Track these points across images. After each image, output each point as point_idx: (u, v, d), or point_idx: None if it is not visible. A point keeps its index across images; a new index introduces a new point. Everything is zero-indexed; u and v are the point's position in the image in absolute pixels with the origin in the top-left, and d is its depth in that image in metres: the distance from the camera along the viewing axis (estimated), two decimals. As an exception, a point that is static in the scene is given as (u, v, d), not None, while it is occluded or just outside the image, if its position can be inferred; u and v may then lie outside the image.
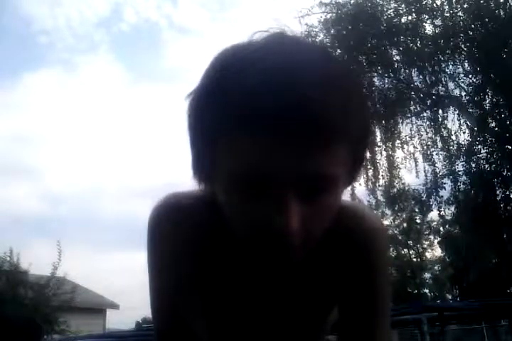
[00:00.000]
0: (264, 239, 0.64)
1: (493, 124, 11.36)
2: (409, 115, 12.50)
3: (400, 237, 27.01)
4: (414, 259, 28.33)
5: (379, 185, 12.70)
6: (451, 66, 12.05)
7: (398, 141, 12.54)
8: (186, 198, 0.80)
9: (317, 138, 0.58)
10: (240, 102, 0.58)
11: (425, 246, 28.47)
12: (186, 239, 0.78)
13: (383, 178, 12.66)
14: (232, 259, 0.79)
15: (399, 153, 12.54)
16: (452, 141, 11.81)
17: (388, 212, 24.47)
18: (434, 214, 18.34)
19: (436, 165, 11.85)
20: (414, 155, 12.33)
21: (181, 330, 0.78)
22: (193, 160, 0.71)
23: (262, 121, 0.57)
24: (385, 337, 0.83)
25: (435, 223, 24.99)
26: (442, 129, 11.97)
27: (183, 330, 0.78)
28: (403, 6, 11.85)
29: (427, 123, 12.25)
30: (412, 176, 12.74)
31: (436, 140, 12.07)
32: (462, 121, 11.67)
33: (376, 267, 0.82)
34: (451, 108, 11.95)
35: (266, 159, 0.59)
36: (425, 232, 27.75)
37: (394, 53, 12.32)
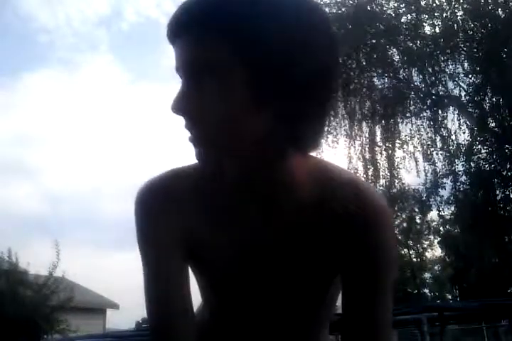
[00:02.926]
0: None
1: (493, 124, 11.35)
2: (409, 115, 12.48)
3: (399, 237, 27.03)
4: (414, 259, 28.36)
5: (379, 185, 12.69)
6: (450, 66, 12.04)
7: (398, 141, 12.53)
8: (165, 176, 0.89)
9: (188, 32, 0.72)
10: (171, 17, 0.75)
11: (425, 246, 28.52)
12: (163, 211, 0.85)
13: (383, 178, 12.66)
14: (226, 222, 0.83)
15: (399, 153, 12.54)
16: (452, 140, 11.80)
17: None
18: (434, 214, 18.38)
19: (436, 164, 11.86)
20: (414, 155, 12.33)
21: (171, 329, 0.82)
22: None
23: (169, 26, 0.75)
24: (387, 324, 0.81)
25: (435, 223, 25.03)
26: (442, 129, 11.96)
27: (173, 329, 0.82)
28: (403, 5, 11.85)
29: (427, 123, 12.23)
30: (412, 176, 12.73)
31: (436, 140, 12.06)
32: (462, 121, 11.66)
33: (378, 251, 0.80)
34: (451, 108, 11.95)
35: (175, 55, 0.75)
36: (425, 232, 27.78)
37: (394, 53, 12.31)
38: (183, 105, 0.73)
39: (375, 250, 0.79)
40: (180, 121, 0.75)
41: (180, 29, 0.73)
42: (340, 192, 0.80)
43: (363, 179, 12.36)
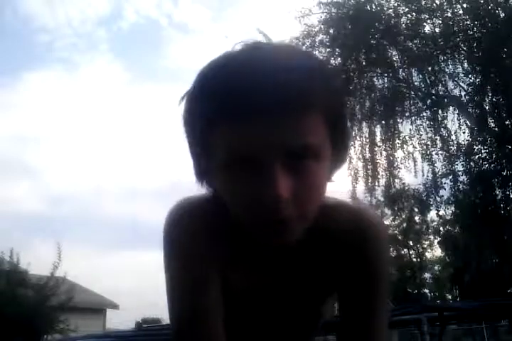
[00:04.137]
0: (260, 214, 0.69)
1: (493, 124, 11.35)
2: (408, 115, 12.48)
3: (399, 237, 26.99)
4: (414, 259, 28.33)
5: (379, 185, 12.70)
6: (450, 66, 12.05)
7: (398, 141, 12.52)
8: (199, 202, 0.85)
9: (286, 112, 0.66)
10: (223, 94, 0.67)
11: (425, 246, 28.48)
12: (199, 244, 0.82)
13: (383, 178, 12.66)
14: (245, 259, 0.84)
15: (399, 153, 12.53)
16: (452, 140, 11.80)
17: (388, 212, 24.48)
18: (434, 214, 18.35)
19: (435, 164, 11.86)
20: (413, 154, 12.32)
21: (199, 332, 0.80)
22: (192, 158, 0.77)
23: (240, 106, 0.66)
24: (383, 334, 0.85)
25: (435, 223, 25.00)
26: (442, 129, 11.96)
27: (201, 332, 0.80)
28: (403, 5, 11.85)
29: (427, 123, 12.23)
30: (411, 176, 12.73)
31: (436, 140, 12.06)
32: (462, 121, 11.67)
33: (375, 265, 0.84)
34: (451, 108, 11.95)
35: (249, 137, 0.67)
36: (425, 232, 27.74)
37: (393, 53, 12.31)
38: (289, 196, 0.67)
39: (374, 277, 0.85)
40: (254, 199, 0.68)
41: (272, 108, 0.66)
42: (344, 230, 0.84)
43: (363, 179, 12.37)
